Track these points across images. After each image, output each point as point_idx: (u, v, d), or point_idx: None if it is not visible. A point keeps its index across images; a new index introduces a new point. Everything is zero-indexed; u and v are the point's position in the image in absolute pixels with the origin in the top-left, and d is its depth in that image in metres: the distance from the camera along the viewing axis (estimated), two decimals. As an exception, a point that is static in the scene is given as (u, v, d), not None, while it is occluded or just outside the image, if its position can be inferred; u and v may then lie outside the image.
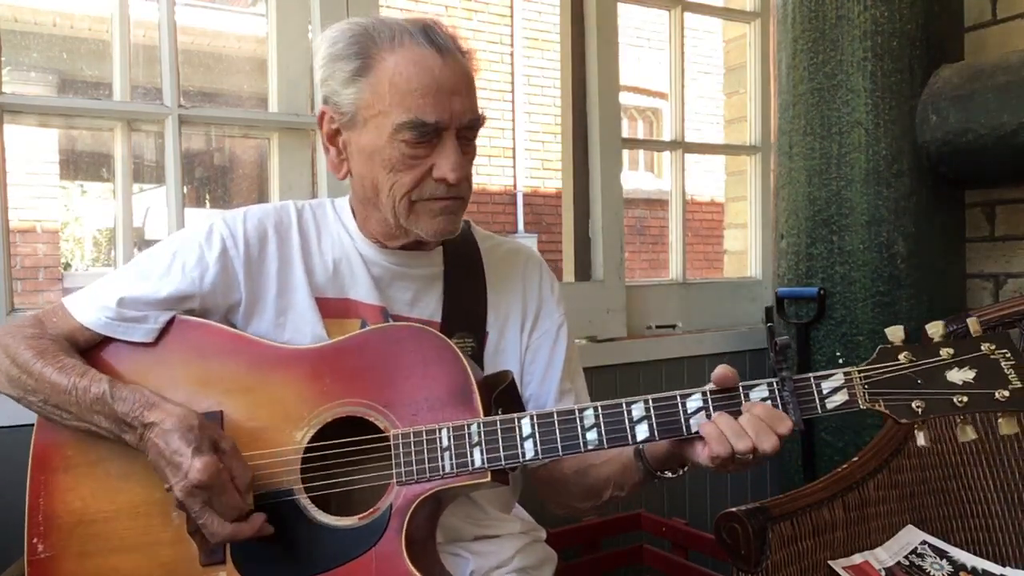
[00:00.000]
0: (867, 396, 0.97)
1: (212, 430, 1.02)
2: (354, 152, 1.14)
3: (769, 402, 0.99)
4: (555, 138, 8.32)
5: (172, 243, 1.16)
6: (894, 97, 1.91)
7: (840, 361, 1.96)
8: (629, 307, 2.26)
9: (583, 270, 2.27)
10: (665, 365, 2.23)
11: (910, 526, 1.63)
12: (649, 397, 1.02)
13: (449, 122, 1.08)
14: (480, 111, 1.13)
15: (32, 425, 1.10)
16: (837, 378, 0.98)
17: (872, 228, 1.92)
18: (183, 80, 1.71)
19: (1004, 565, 1.56)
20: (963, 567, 1.54)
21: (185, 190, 1.71)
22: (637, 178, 9.65)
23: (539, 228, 8.89)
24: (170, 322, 1.11)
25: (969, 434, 0.97)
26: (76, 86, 6.78)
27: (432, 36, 1.09)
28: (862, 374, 0.98)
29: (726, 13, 2.73)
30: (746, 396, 1.00)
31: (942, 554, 1.57)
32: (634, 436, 1.01)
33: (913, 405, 0.97)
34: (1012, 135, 1.76)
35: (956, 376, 0.97)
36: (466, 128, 1.11)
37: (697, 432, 1.00)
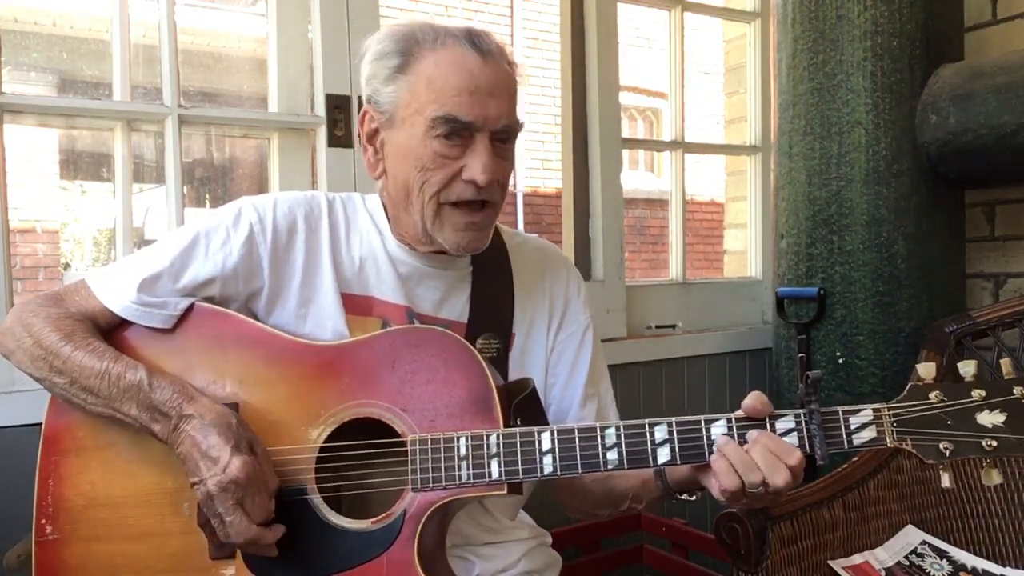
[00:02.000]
0: (895, 434, 0.97)
1: (249, 431, 1.02)
2: (390, 152, 1.14)
3: (795, 434, 0.98)
4: (555, 138, 8.31)
5: (199, 225, 1.15)
6: (894, 97, 1.91)
7: (840, 361, 1.96)
8: (629, 307, 2.26)
9: (583, 270, 2.27)
10: (665, 365, 2.23)
11: (910, 526, 1.63)
12: (673, 420, 1.00)
13: (483, 123, 1.08)
14: (519, 119, 1.12)
15: (35, 424, 1.10)
16: (866, 414, 0.98)
17: (872, 228, 1.92)
18: (183, 80, 1.71)
19: (1004, 565, 1.56)
20: (963, 567, 1.54)
21: (185, 190, 1.71)
22: (637, 178, 9.64)
23: (539, 228, 8.88)
24: (189, 309, 1.10)
25: (995, 478, 0.96)
26: (76, 86, 6.77)
27: (475, 40, 1.09)
28: (891, 411, 0.97)
29: (726, 13, 2.72)
30: (772, 427, 0.99)
31: (942, 554, 1.57)
32: (655, 459, 1.00)
33: (941, 446, 0.96)
34: (1012, 135, 1.75)
35: (986, 419, 0.95)
36: (501, 133, 1.10)
37: None
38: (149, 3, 1.83)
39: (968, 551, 1.60)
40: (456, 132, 1.07)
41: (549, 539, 1.35)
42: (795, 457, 0.96)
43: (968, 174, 1.94)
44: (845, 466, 1.61)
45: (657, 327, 2.32)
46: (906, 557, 1.56)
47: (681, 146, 2.43)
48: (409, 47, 1.09)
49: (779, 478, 0.95)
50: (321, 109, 1.81)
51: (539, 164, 9.11)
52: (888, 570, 1.51)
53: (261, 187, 6.98)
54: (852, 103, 1.93)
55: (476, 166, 1.08)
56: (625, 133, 2.34)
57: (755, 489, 0.95)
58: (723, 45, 2.95)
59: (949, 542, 1.61)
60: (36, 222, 6.42)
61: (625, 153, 2.31)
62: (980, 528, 1.64)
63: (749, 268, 2.64)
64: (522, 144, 9.02)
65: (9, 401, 1.44)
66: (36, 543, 1.05)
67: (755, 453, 0.96)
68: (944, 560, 1.56)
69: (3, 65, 1.75)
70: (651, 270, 9.21)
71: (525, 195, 9.02)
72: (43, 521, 1.06)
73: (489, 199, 1.12)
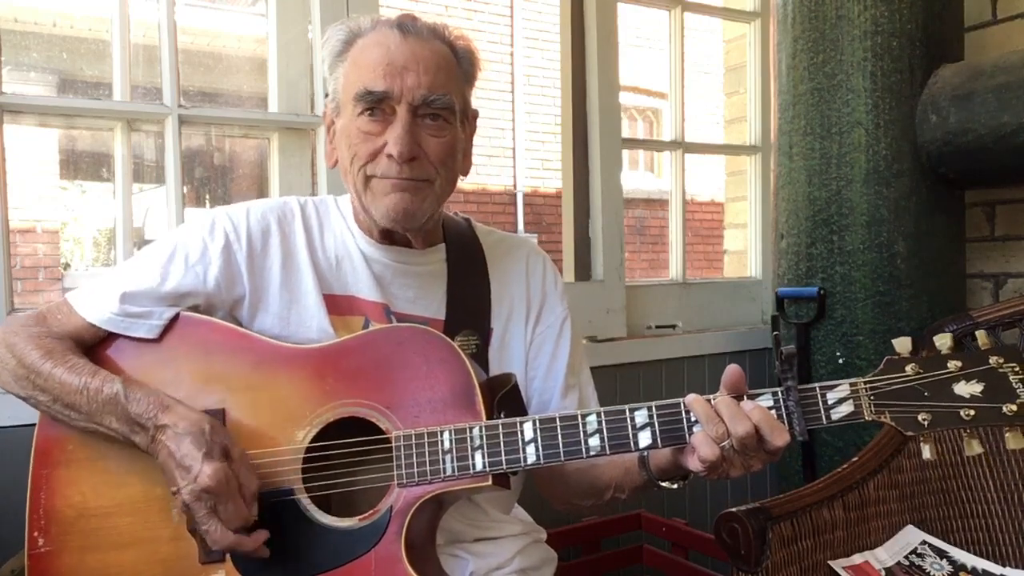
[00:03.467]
0: (873, 408, 0.97)
1: (224, 436, 1.02)
2: (337, 139, 1.17)
3: (773, 412, 0.98)
4: (555, 138, 8.31)
5: (175, 237, 1.16)
6: (894, 97, 1.91)
7: (840, 361, 1.96)
8: (629, 307, 2.26)
9: (583, 270, 2.27)
10: (665, 365, 2.23)
11: (910, 526, 1.63)
12: (652, 404, 1.01)
13: (400, 96, 1.09)
14: (444, 93, 1.11)
15: (33, 424, 1.10)
16: (843, 388, 0.98)
17: (872, 228, 1.92)
18: (183, 80, 1.71)
19: (1004, 565, 1.56)
20: (963, 567, 1.54)
21: (185, 190, 1.71)
22: (637, 178, 9.64)
23: (539, 228, 8.88)
24: (175, 319, 1.11)
25: (976, 448, 0.96)
26: (76, 86, 6.78)
27: (403, 22, 1.12)
28: (868, 385, 0.98)
29: (726, 13, 2.73)
30: None
31: (942, 554, 1.57)
32: (636, 443, 1.00)
33: (919, 418, 0.96)
34: (1012, 135, 1.75)
35: (963, 389, 0.96)
36: (423, 106, 1.10)
37: None
38: (149, 3, 1.83)
39: (968, 551, 1.59)
40: (376, 106, 1.09)
41: (544, 535, 1.35)
42: (757, 412, 0.96)
43: (968, 174, 1.93)
44: (845, 466, 1.61)
45: (657, 327, 2.32)
46: (906, 557, 1.56)
47: (681, 146, 2.43)
48: (350, 38, 1.14)
49: (740, 427, 0.95)
50: (321, 109, 1.81)
51: (539, 164, 9.11)
52: (888, 570, 1.51)
53: (261, 187, 6.98)
54: (852, 103, 1.93)
55: (391, 138, 1.09)
56: (625, 133, 2.34)
57: (723, 443, 0.96)
58: (723, 45, 2.95)
59: (949, 542, 1.61)
60: (36, 222, 6.42)
61: (625, 153, 2.31)
62: (980, 528, 1.64)
63: (749, 268, 2.64)
64: (522, 144, 9.05)
65: (9, 401, 1.44)
66: (28, 556, 1.06)
67: (719, 405, 0.98)
68: (944, 560, 1.56)
69: (3, 65, 1.74)
70: (651, 270, 9.21)
71: (525, 195, 9.02)
72: (35, 534, 1.06)
73: (417, 176, 1.11)
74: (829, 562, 1.49)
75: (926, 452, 0.97)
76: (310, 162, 1.90)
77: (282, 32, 1.87)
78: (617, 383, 2.11)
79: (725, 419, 0.96)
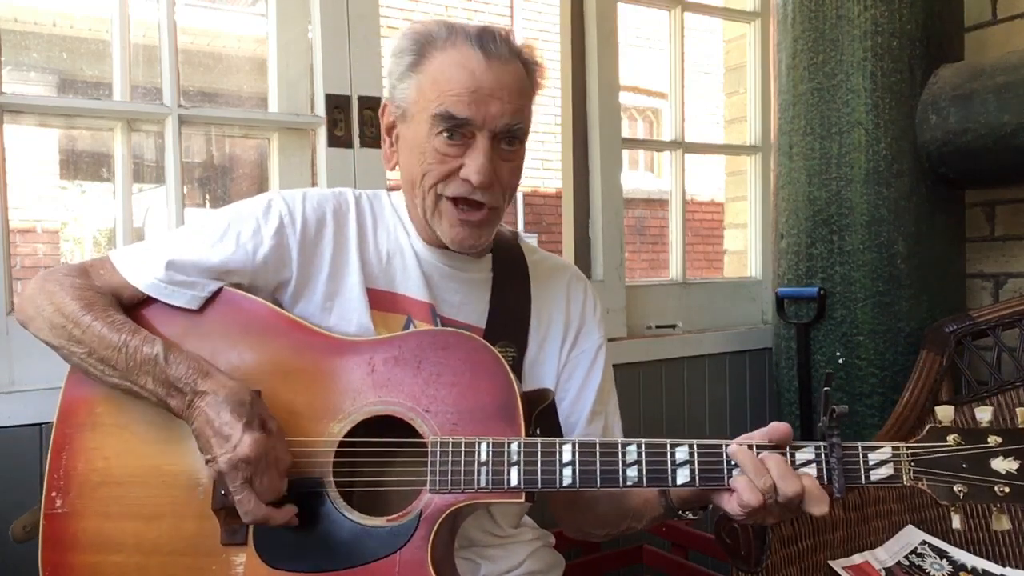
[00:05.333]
0: (912, 473, 0.98)
1: (262, 409, 1.01)
2: (402, 146, 1.17)
3: (814, 466, 0.98)
4: (555, 138, 8.30)
5: (229, 212, 1.16)
6: (894, 97, 1.91)
7: (840, 361, 1.96)
8: (629, 307, 2.26)
9: (583, 270, 2.25)
10: (665, 365, 2.23)
11: (910, 526, 1.63)
12: (695, 442, 1.00)
13: (483, 123, 1.09)
14: (523, 119, 1.13)
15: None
16: (885, 451, 0.98)
17: (872, 228, 1.92)
18: (183, 80, 1.71)
19: (1004, 565, 1.56)
20: (963, 567, 1.54)
21: (185, 190, 1.71)
22: (637, 178, 9.64)
23: (539, 228, 8.87)
24: (217, 293, 1.10)
25: (1004, 524, 0.97)
26: (76, 86, 6.77)
27: (484, 40, 1.10)
28: (910, 451, 0.98)
29: (726, 13, 2.72)
30: (792, 456, 0.99)
31: (942, 554, 1.58)
32: (674, 479, 0.99)
33: (955, 489, 0.97)
34: (1012, 135, 1.75)
35: (1001, 465, 0.97)
36: (503, 134, 1.11)
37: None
38: (149, 3, 1.83)
39: (968, 551, 1.60)
40: (456, 131, 1.08)
41: (552, 540, 1.35)
42: (808, 480, 0.96)
43: (968, 174, 1.93)
44: (845, 466, 1.61)
45: (657, 327, 2.32)
46: (906, 557, 1.56)
47: (681, 146, 2.43)
48: (422, 46, 1.12)
49: (791, 487, 0.94)
50: (321, 109, 1.81)
51: (539, 164, 9.10)
52: (888, 570, 1.51)
53: (261, 187, 6.97)
54: (852, 103, 1.93)
55: (472, 166, 1.09)
56: (625, 133, 2.34)
57: (768, 496, 0.95)
58: (723, 45, 2.95)
59: (949, 542, 1.61)
60: (36, 222, 6.42)
61: (625, 153, 2.31)
62: (980, 528, 1.64)
63: (749, 268, 2.64)
64: (522, 144, 9.05)
65: (9, 401, 1.44)
66: (44, 515, 1.05)
67: (767, 460, 0.96)
68: (944, 560, 1.56)
69: (3, 65, 1.75)
70: (651, 270, 9.20)
71: (525, 195, 9.01)
72: (53, 494, 1.05)
73: (488, 202, 1.13)
74: (829, 562, 1.49)
75: (956, 522, 0.98)
76: (310, 162, 1.90)
77: (282, 32, 1.87)
78: (617, 383, 2.09)
79: (774, 475, 0.95)
